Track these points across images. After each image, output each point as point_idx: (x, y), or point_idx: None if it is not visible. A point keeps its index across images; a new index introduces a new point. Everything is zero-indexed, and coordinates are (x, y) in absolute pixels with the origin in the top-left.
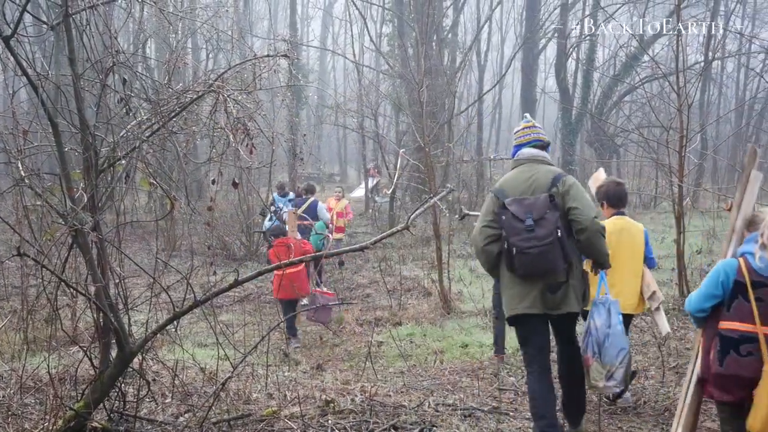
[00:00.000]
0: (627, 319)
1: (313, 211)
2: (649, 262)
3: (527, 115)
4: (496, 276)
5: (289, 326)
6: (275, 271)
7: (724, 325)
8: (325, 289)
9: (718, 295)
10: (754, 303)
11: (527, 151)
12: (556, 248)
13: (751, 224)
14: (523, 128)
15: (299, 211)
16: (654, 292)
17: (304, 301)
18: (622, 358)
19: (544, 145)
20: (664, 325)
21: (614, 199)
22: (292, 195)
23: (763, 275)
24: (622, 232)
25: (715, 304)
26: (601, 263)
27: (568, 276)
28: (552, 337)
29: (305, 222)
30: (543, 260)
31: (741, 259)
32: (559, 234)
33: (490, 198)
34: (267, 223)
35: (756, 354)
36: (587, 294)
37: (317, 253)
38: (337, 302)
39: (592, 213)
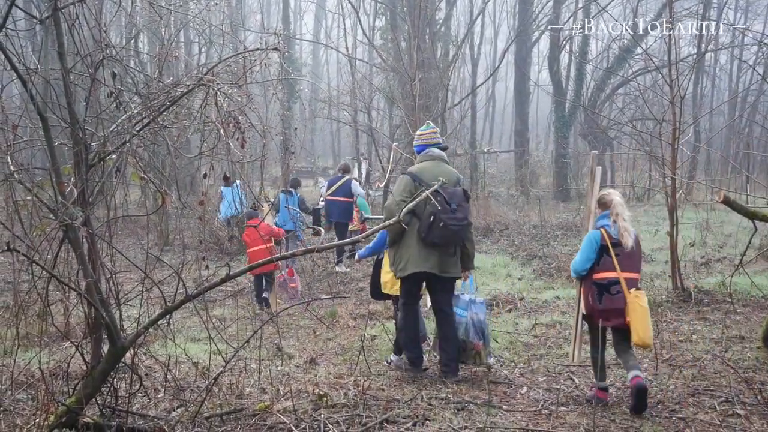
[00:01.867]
0: None
1: (347, 189)
2: None
3: (430, 122)
4: (396, 242)
5: (260, 295)
6: (249, 250)
7: (598, 276)
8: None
9: (593, 257)
10: (614, 258)
11: (437, 151)
12: (465, 229)
13: (602, 205)
14: (430, 132)
15: (333, 189)
16: None
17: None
18: (490, 340)
19: (445, 148)
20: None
21: None
22: (238, 183)
23: (617, 239)
24: None
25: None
26: (472, 255)
27: (456, 251)
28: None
29: (341, 198)
30: (456, 236)
31: (602, 230)
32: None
33: (408, 180)
34: (224, 211)
35: (622, 292)
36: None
37: (309, 248)
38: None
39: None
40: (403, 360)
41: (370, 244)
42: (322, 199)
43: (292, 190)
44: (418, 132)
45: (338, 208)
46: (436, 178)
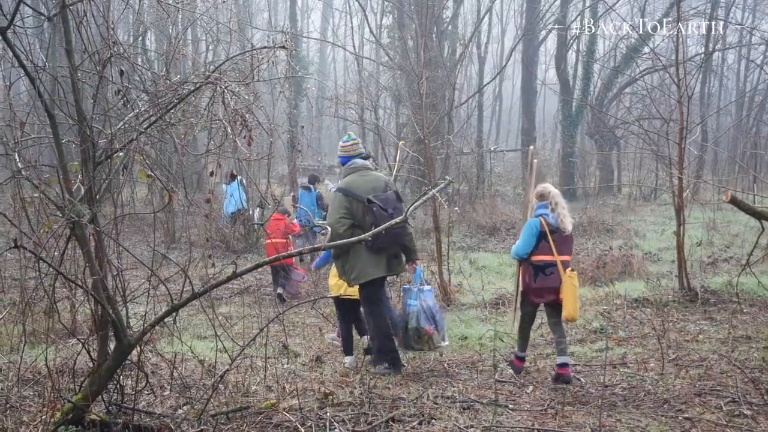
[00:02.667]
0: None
1: None
2: None
3: (351, 133)
4: (343, 252)
5: (280, 284)
6: (267, 240)
7: (535, 258)
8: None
9: (533, 242)
10: (552, 243)
11: (360, 161)
12: (404, 229)
13: (542, 196)
14: (352, 144)
15: None
16: None
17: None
18: (444, 324)
19: (367, 156)
20: None
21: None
22: (238, 179)
23: (555, 226)
24: None
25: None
26: (413, 247)
27: (399, 250)
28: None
29: None
30: (398, 237)
31: (540, 218)
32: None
33: (342, 196)
34: (230, 207)
35: (555, 273)
36: None
37: (314, 246)
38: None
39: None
40: (383, 365)
41: (321, 255)
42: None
43: (311, 186)
44: (340, 144)
45: None
46: (366, 188)
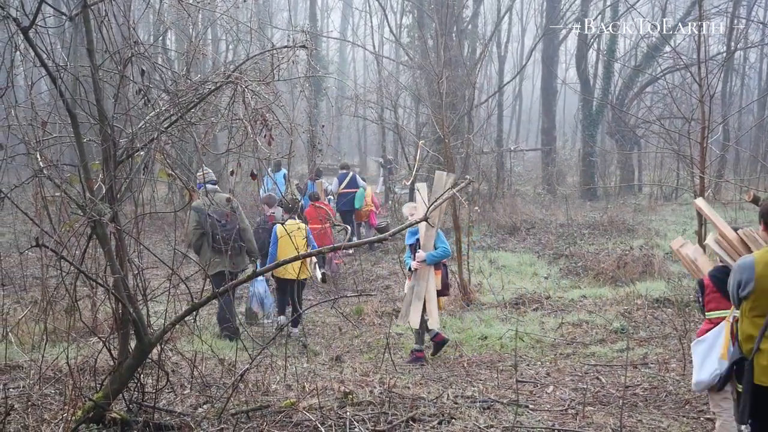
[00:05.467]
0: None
1: (354, 181)
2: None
3: (204, 165)
4: (197, 249)
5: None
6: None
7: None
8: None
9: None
10: None
11: (210, 186)
12: (237, 234)
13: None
14: (205, 173)
15: (345, 184)
16: (315, 264)
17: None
18: (270, 306)
19: (215, 182)
20: (318, 274)
21: (290, 209)
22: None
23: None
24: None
25: None
26: (253, 249)
27: (240, 250)
28: None
29: (350, 190)
30: (229, 239)
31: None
32: (237, 227)
33: (194, 213)
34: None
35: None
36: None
37: (335, 245)
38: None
39: (247, 224)
40: (224, 333)
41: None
42: (330, 195)
43: (318, 178)
44: (198, 173)
45: (349, 198)
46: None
